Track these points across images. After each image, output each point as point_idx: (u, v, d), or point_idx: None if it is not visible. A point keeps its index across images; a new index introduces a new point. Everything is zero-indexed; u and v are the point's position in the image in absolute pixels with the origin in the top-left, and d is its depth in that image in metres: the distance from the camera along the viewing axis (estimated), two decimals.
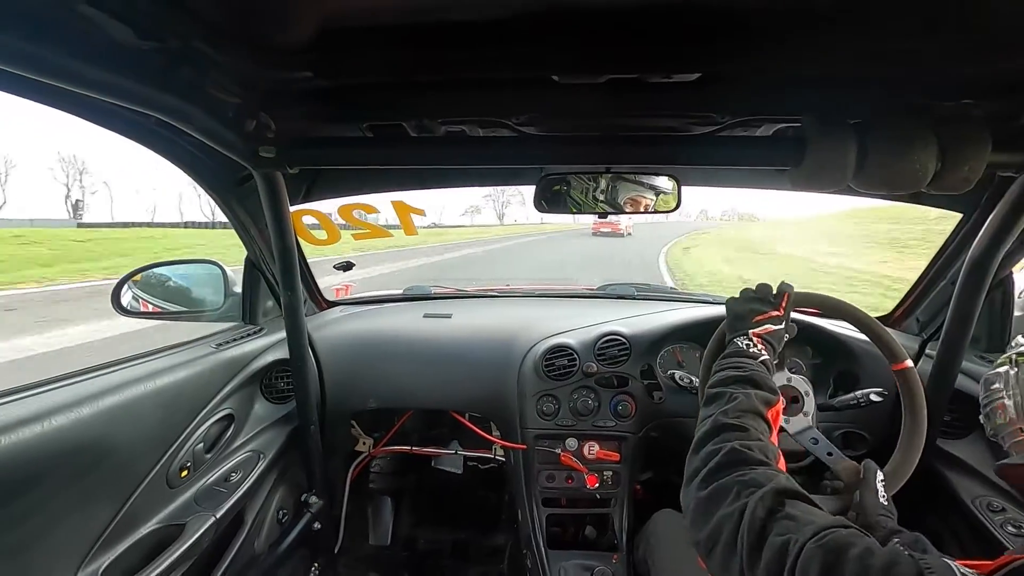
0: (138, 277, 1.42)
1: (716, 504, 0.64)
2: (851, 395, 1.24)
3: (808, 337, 1.46)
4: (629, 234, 26.15)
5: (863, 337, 1.18)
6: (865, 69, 0.83)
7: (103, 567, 0.93)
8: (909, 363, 1.07)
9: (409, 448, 1.78)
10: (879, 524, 0.86)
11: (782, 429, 1.09)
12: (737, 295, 1.09)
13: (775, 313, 1.01)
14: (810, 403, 1.14)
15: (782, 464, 0.72)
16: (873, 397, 1.21)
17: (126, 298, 1.38)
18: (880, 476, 0.94)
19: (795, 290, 1.08)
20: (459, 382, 1.63)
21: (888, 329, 1.11)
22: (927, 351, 1.41)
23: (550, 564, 1.46)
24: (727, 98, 0.95)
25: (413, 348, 1.68)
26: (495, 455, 1.71)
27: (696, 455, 0.74)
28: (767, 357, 0.93)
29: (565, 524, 1.58)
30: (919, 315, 1.49)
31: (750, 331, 0.97)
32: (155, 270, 1.47)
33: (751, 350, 0.93)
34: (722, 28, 0.74)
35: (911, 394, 1.05)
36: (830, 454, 1.05)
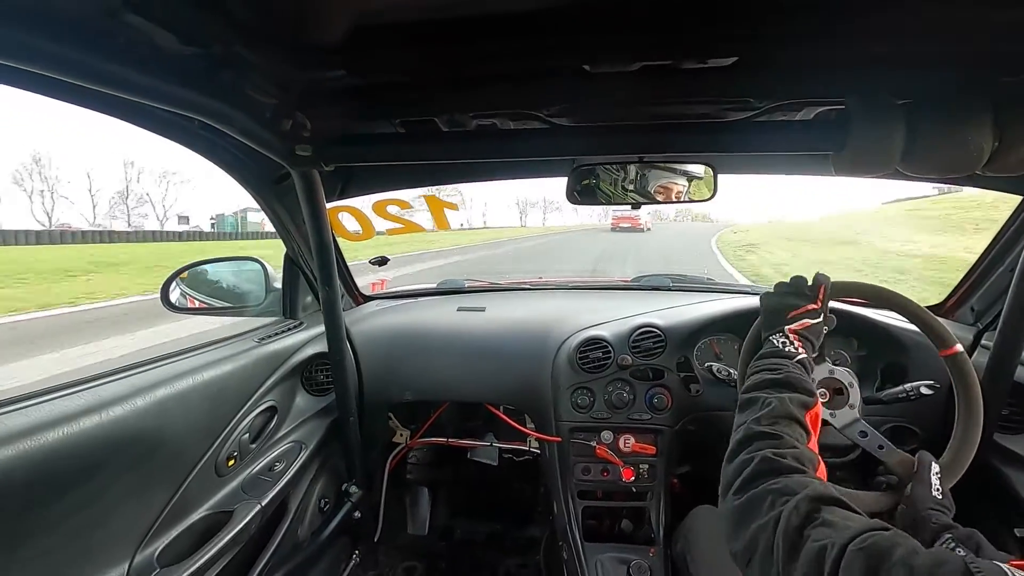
0: (185, 275, 1.48)
1: (751, 515, 0.62)
2: (900, 388, 1.20)
3: (853, 328, 1.41)
4: (648, 229, 25.12)
5: (912, 327, 1.13)
6: (913, 45, 0.79)
7: (158, 551, 0.98)
8: (959, 347, 1.01)
9: (445, 440, 1.80)
10: (930, 518, 0.83)
11: (827, 423, 1.05)
12: (771, 290, 1.06)
13: (812, 307, 0.97)
14: (855, 394, 1.10)
15: (821, 471, 0.70)
16: (924, 390, 1.16)
17: (174, 295, 1.44)
18: (935, 468, 0.89)
19: (832, 280, 1.04)
20: (493, 375, 1.64)
21: (935, 316, 1.05)
22: (983, 342, 1.34)
23: (586, 556, 1.46)
24: (765, 82, 0.92)
25: (448, 341, 1.70)
26: (530, 447, 1.72)
27: (729, 465, 0.72)
28: (804, 356, 0.89)
29: (601, 517, 1.57)
30: (974, 304, 1.42)
31: (785, 328, 0.94)
32: (200, 267, 1.53)
33: (787, 349, 0.90)
34: (759, 9, 0.72)
35: (964, 381, 0.99)
36: (881, 447, 1.01)
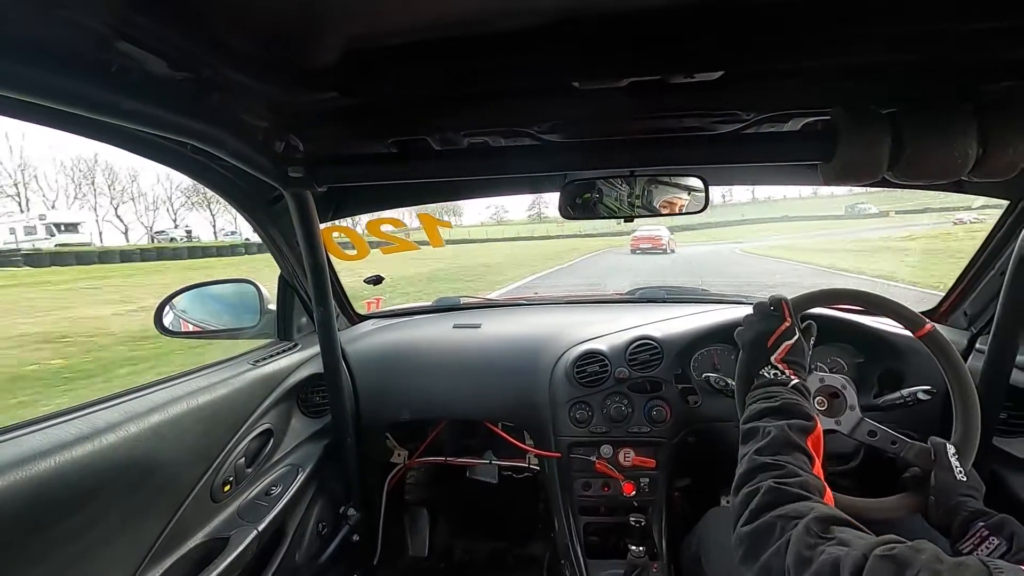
0: (178, 299, 1.47)
1: (762, 544, 0.63)
2: (897, 394, 1.20)
3: (847, 335, 1.41)
4: (672, 251, 21.02)
5: (906, 333, 1.13)
6: (896, 55, 0.80)
7: None
8: (931, 325, 1.03)
9: (444, 459, 1.78)
10: (962, 506, 0.82)
11: (834, 431, 1.05)
12: (742, 325, 1.06)
13: (784, 326, 0.97)
14: (852, 395, 1.10)
15: (828, 497, 0.70)
16: (920, 395, 1.16)
17: (168, 319, 1.43)
18: (951, 450, 0.89)
19: (791, 297, 1.05)
20: (490, 391, 1.63)
21: (898, 301, 1.08)
22: (977, 346, 1.35)
23: (589, 574, 1.44)
24: (752, 94, 0.93)
25: (444, 359, 1.69)
26: (529, 464, 1.70)
27: (736, 497, 0.73)
28: (797, 381, 0.89)
29: (603, 533, 1.56)
30: (967, 308, 1.43)
31: (771, 358, 0.94)
32: (194, 290, 1.52)
33: (780, 378, 0.90)
34: (743, 24, 0.73)
35: (946, 357, 1.01)
36: (894, 443, 1.00)
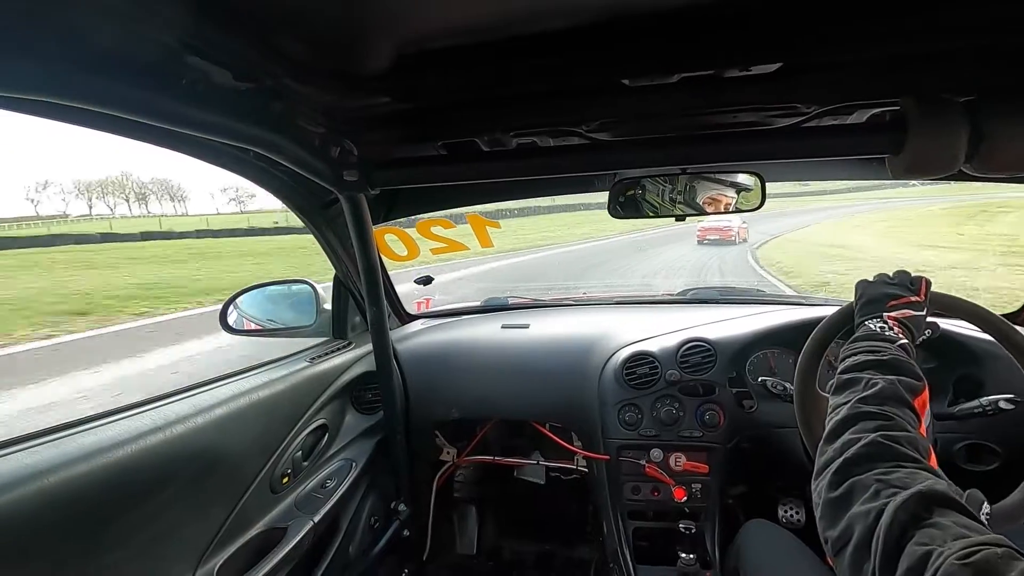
0: (241, 299, 1.54)
1: (850, 501, 0.57)
2: (975, 403, 1.11)
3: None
4: (744, 240, 19.08)
5: (986, 337, 1.04)
6: (973, 39, 0.74)
7: (217, 566, 1.01)
8: None
9: (492, 458, 1.79)
10: None
11: None
12: (871, 279, 0.97)
13: (915, 299, 0.89)
14: (927, 414, 1.02)
15: (933, 460, 0.62)
16: (1003, 404, 1.07)
17: (232, 317, 1.51)
18: (986, 509, 0.80)
19: (936, 290, 0.95)
20: (538, 392, 1.63)
21: None
22: None
23: None
24: (813, 86, 0.88)
25: (492, 358, 1.70)
26: (577, 466, 1.69)
27: (830, 444, 0.66)
28: (906, 342, 0.81)
29: (653, 538, 1.52)
30: None
31: (885, 315, 0.86)
32: (255, 291, 1.60)
33: (887, 333, 0.82)
34: (802, 12, 0.70)
35: None
36: None
